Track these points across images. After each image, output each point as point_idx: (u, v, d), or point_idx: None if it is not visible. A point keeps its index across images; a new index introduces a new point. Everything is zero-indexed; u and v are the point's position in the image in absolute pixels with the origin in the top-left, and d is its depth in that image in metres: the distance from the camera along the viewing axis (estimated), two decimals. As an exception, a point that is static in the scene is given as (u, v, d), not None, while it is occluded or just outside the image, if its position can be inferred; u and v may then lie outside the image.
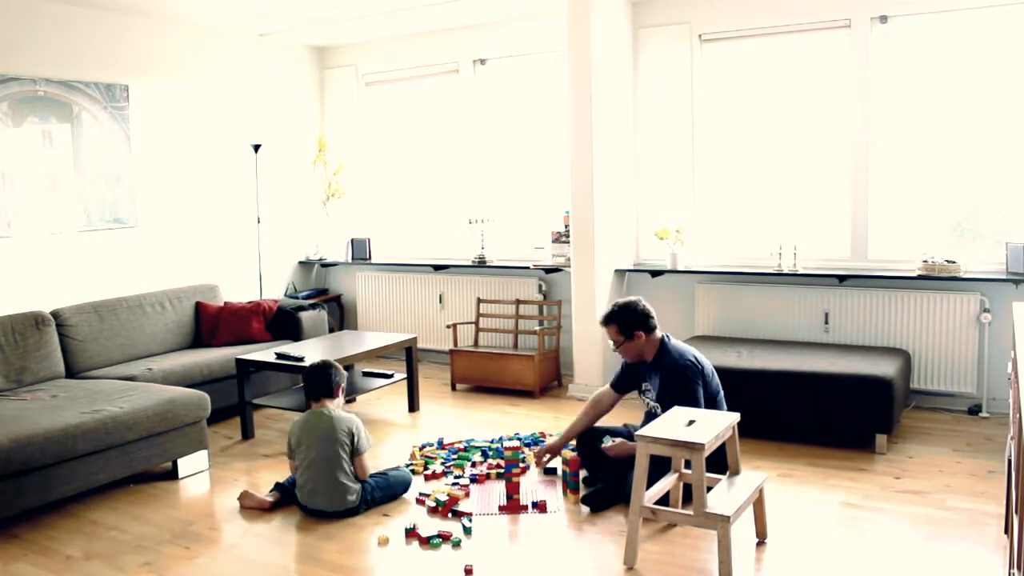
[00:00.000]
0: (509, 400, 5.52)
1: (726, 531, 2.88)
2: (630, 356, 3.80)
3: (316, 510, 3.64)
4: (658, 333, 3.77)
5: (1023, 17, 4.64)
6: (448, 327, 6.17)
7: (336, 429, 3.66)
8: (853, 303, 5.10)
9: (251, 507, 3.78)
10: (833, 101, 5.23)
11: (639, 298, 3.81)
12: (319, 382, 3.83)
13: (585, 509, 3.64)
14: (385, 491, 3.76)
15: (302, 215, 7.12)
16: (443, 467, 4.18)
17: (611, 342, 3.82)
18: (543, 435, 4.65)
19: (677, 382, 3.61)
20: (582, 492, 3.76)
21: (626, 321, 3.71)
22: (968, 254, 4.86)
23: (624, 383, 3.94)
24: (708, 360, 3.81)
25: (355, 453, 3.68)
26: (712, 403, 3.67)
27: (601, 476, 3.78)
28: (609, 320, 3.76)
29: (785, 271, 5.24)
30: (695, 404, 3.53)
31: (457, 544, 3.32)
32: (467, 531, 3.43)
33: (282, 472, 4.25)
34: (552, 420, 4.96)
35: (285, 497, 3.79)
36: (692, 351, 3.75)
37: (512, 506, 3.66)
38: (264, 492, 3.84)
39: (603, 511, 3.63)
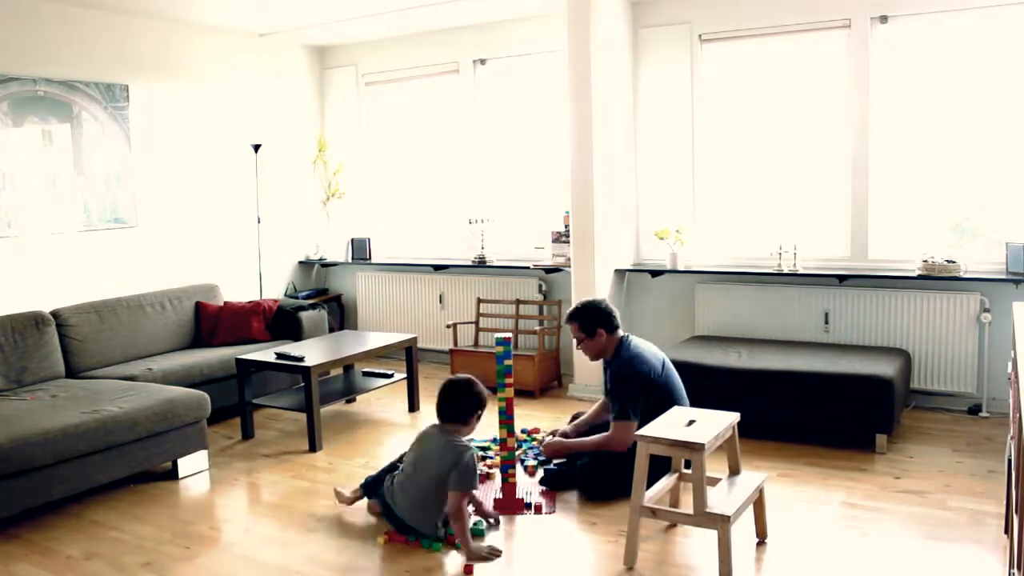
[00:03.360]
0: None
1: (726, 531, 2.89)
2: (591, 354, 3.90)
3: (389, 505, 3.41)
4: (619, 333, 3.88)
5: (1023, 17, 4.65)
6: (448, 327, 6.17)
7: (441, 454, 3.31)
8: (853, 303, 5.10)
9: (346, 500, 3.65)
10: (833, 101, 5.22)
11: (603, 299, 3.99)
12: (448, 404, 3.44)
13: (541, 488, 3.87)
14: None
15: (302, 215, 7.12)
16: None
17: (574, 339, 3.94)
18: (534, 431, 4.71)
19: (621, 387, 3.73)
20: (540, 475, 3.99)
21: (587, 319, 3.84)
22: (968, 254, 4.86)
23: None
24: (701, 359, 3.83)
25: (452, 487, 3.25)
26: (661, 406, 3.63)
27: (558, 463, 4.00)
28: (572, 318, 3.89)
29: (785, 271, 5.24)
30: (633, 410, 3.67)
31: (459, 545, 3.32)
32: (480, 533, 3.41)
33: (283, 472, 4.26)
34: (552, 420, 4.96)
35: (367, 493, 3.64)
36: (648, 354, 3.82)
37: (511, 505, 3.65)
38: (349, 489, 3.74)
39: (559, 491, 3.83)
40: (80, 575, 3.19)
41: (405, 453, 3.59)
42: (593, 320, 3.82)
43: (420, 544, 3.32)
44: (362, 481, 3.74)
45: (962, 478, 3.88)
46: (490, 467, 4.13)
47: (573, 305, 3.98)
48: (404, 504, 3.39)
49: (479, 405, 3.45)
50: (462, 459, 3.28)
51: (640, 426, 3.65)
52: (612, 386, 3.78)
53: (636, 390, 3.69)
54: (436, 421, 3.52)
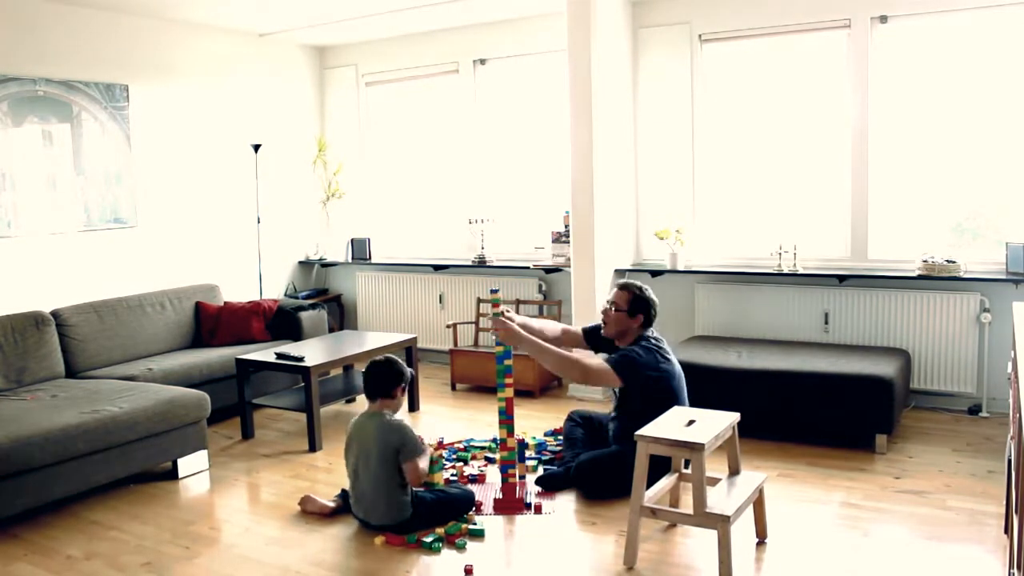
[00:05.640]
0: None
1: (726, 531, 2.89)
2: (612, 326, 3.96)
3: (363, 520, 3.51)
4: (648, 331, 3.94)
5: (1023, 17, 4.64)
6: (448, 327, 6.17)
7: (380, 439, 3.44)
8: (853, 303, 5.10)
9: (312, 512, 3.67)
10: (833, 101, 5.22)
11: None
12: (373, 381, 3.59)
13: (538, 489, 3.88)
14: (443, 509, 3.51)
15: (302, 215, 7.12)
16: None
17: (610, 303, 3.96)
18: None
19: (625, 357, 3.80)
20: (540, 472, 4.02)
21: (638, 302, 3.90)
22: (968, 254, 4.86)
23: (596, 338, 4.12)
24: (701, 359, 3.83)
25: (403, 460, 3.43)
26: (659, 403, 3.64)
27: (559, 462, 4.07)
28: (627, 287, 3.94)
29: (785, 271, 5.24)
30: (623, 372, 3.74)
31: (463, 547, 3.32)
32: (479, 533, 3.42)
33: (283, 472, 4.26)
34: (553, 420, 4.96)
35: (346, 505, 3.63)
36: (660, 355, 3.83)
37: (511, 505, 3.66)
38: (327, 498, 3.73)
39: (555, 492, 3.84)
40: (80, 575, 3.19)
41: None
42: (640, 306, 3.91)
43: (420, 544, 3.32)
44: (338, 492, 3.76)
45: (962, 478, 3.88)
46: (486, 465, 4.13)
47: (630, 282, 4.04)
48: (367, 506, 3.46)
49: (401, 379, 3.63)
50: (402, 433, 3.48)
51: (637, 421, 3.66)
52: (618, 355, 3.84)
53: (636, 366, 3.76)
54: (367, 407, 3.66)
